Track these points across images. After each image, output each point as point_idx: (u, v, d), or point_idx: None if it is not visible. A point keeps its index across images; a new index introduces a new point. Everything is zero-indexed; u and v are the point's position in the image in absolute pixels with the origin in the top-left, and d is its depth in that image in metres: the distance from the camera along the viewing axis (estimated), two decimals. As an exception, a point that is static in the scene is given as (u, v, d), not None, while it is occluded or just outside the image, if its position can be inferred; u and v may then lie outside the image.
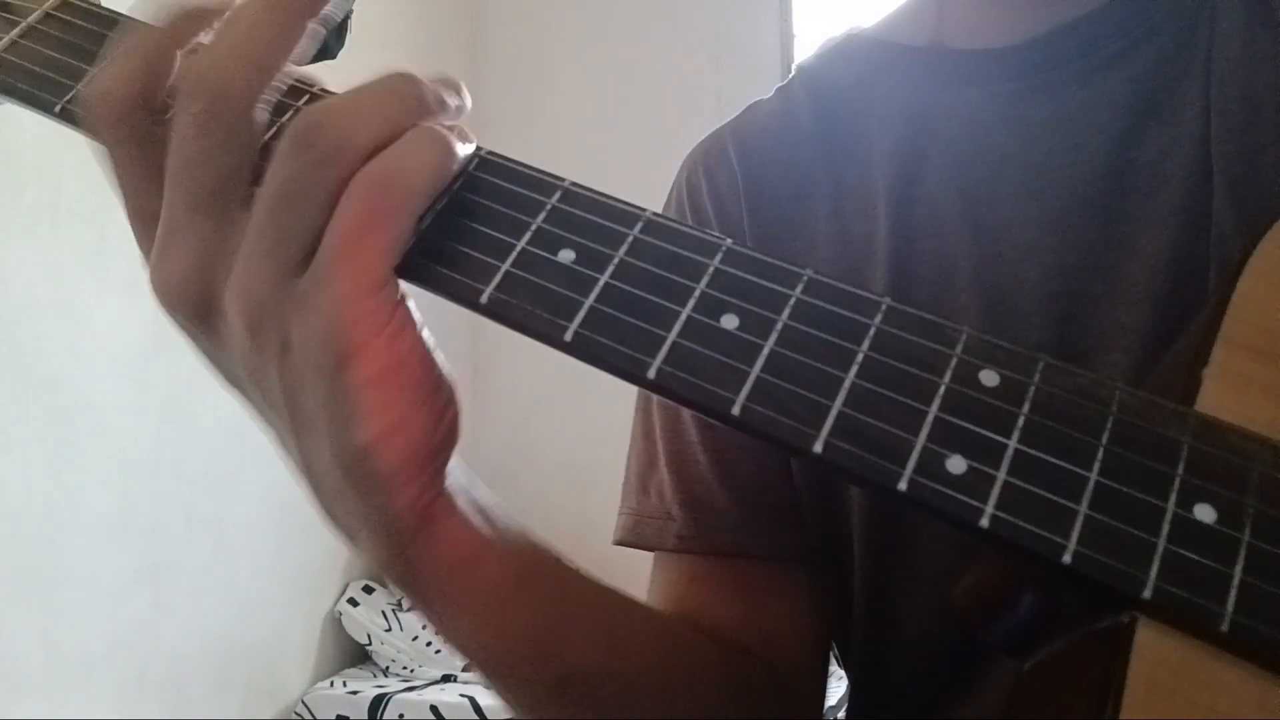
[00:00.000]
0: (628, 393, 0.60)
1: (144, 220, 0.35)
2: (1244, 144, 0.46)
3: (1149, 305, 0.46)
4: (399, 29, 2.78)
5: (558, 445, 2.98)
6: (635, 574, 0.59)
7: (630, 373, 0.30)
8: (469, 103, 0.35)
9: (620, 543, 0.60)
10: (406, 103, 0.33)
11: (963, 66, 0.53)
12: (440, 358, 0.34)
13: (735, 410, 0.29)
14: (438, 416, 0.33)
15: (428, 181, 0.32)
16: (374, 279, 0.31)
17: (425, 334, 0.33)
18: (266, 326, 0.32)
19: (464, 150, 0.33)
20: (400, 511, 0.33)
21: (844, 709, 0.60)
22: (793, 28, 2.91)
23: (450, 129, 0.33)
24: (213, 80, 0.32)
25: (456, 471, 0.36)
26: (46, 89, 0.38)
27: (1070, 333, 0.47)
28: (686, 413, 0.57)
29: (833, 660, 0.61)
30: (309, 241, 0.31)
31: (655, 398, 0.59)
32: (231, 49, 0.33)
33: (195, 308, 0.34)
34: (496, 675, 0.41)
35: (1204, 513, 0.27)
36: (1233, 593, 0.26)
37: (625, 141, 2.78)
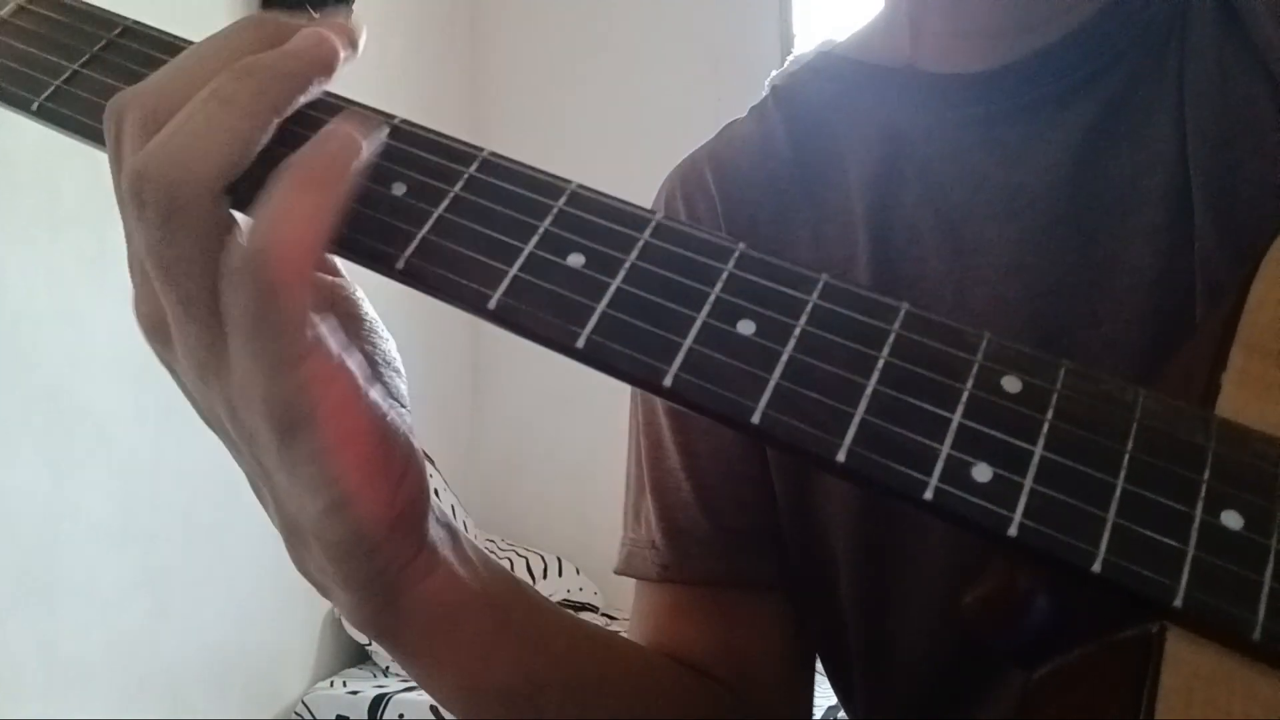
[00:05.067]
0: (628, 396, 0.60)
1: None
2: (1221, 160, 0.46)
3: (1135, 322, 0.46)
4: (399, 31, 2.77)
5: (558, 447, 2.97)
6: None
7: (645, 380, 0.29)
8: (338, 54, 0.31)
9: (617, 573, 0.60)
10: (245, 111, 0.29)
11: (938, 90, 0.53)
12: (396, 409, 0.32)
13: (755, 418, 0.28)
14: (395, 483, 0.32)
15: (310, 237, 0.29)
16: (290, 354, 0.29)
17: (375, 397, 0.31)
18: (213, 387, 0.31)
19: (340, 171, 0.30)
20: (369, 580, 0.33)
21: (843, 710, 0.60)
22: (792, 32, 2.91)
23: (323, 140, 0.30)
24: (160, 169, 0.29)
25: (435, 520, 0.35)
26: (24, 86, 0.37)
27: (1054, 352, 0.47)
28: (668, 438, 0.57)
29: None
30: (210, 298, 0.29)
31: (641, 421, 0.59)
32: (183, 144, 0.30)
33: (163, 336, 0.32)
34: None
35: (1231, 519, 0.26)
36: (1263, 600, 0.25)
37: (625, 146, 2.76)
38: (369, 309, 0.33)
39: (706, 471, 0.56)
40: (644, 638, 0.57)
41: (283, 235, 0.28)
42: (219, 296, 0.29)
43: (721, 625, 0.55)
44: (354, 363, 0.31)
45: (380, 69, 2.65)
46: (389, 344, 0.34)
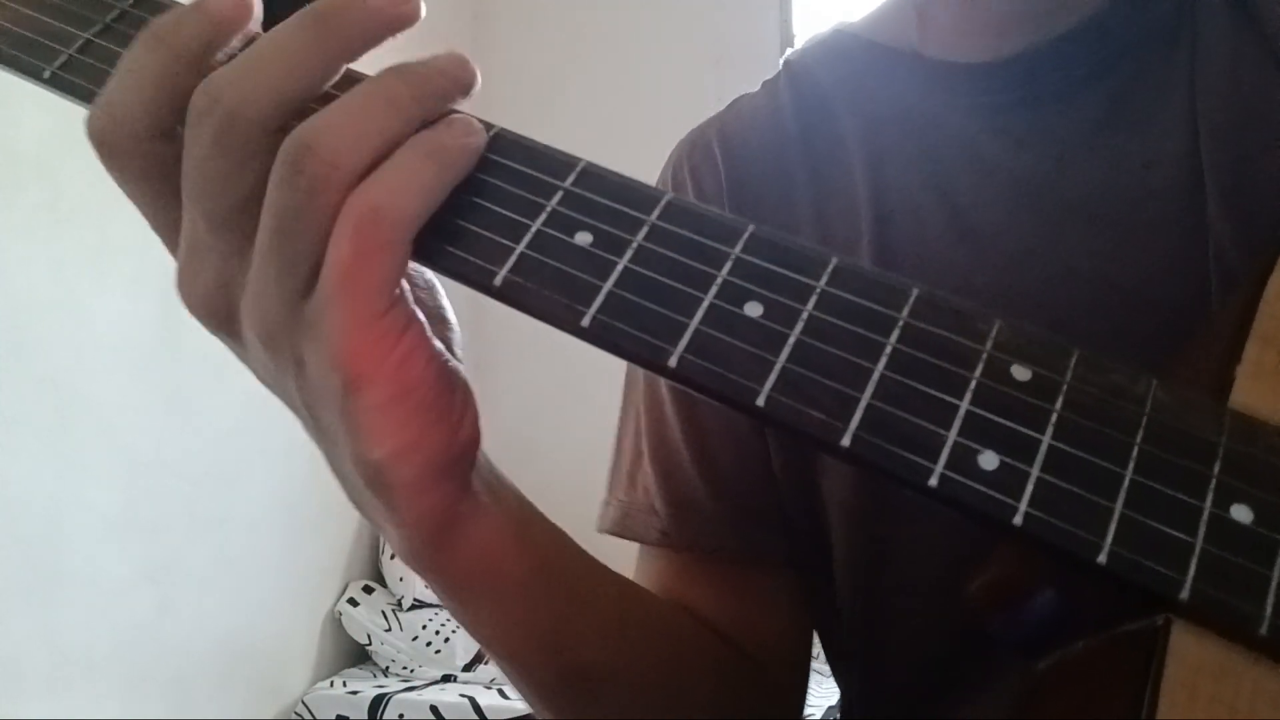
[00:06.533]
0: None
1: (167, 229, 0.35)
2: (1234, 153, 0.46)
3: (1142, 314, 0.46)
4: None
5: (559, 444, 2.97)
6: (632, 568, 0.59)
7: (650, 361, 0.29)
8: (477, 78, 0.34)
9: (605, 531, 0.60)
10: (403, 111, 0.31)
11: (944, 78, 0.53)
12: (454, 360, 0.33)
13: (760, 401, 0.28)
14: (453, 428, 0.33)
15: (422, 205, 0.31)
16: (372, 310, 0.30)
17: (438, 345, 0.32)
18: (280, 346, 0.32)
19: (465, 154, 0.32)
20: (420, 518, 0.34)
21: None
22: (793, 28, 2.91)
23: (452, 125, 0.32)
24: (229, 100, 0.31)
25: (482, 466, 0.36)
26: (36, 54, 0.36)
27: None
28: (669, 406, 0.57)
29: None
30: (312, 266, 0.31)
31: (641, 388, 0.59)
32: (250, 68, 0.31)
33: (220, 319, 0.33)
34: (511, 666, 0.43)
35: (1241, 513, 0.26)
36: (1271, 595, 0.25)
37: (625, 142, 2.74)
38: (427, 270, 0.35)
39: (711, 446, 0.56)
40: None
41: (404, 199, 0.30)
42: (323, 252, 0.30)
43: (731, 596, 0.56)
44: (421, 314, 0.32)
45: (380, 60, 2.65)
46: (443, 298, 0.36)
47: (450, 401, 0.33)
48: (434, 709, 2.29)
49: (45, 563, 1.80)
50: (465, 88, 0.33)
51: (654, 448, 0.58)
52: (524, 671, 0.43)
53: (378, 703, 2.30)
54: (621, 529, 0.59)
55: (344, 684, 2.43)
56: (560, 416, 2.95)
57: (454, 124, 0.32)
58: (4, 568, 1.72)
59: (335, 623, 2.58)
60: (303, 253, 0.31)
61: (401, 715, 2.29)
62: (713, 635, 0.54)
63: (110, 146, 0.33)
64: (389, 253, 0.30)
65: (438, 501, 0.34)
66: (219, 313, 0.33)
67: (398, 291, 0.31)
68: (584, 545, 0.59)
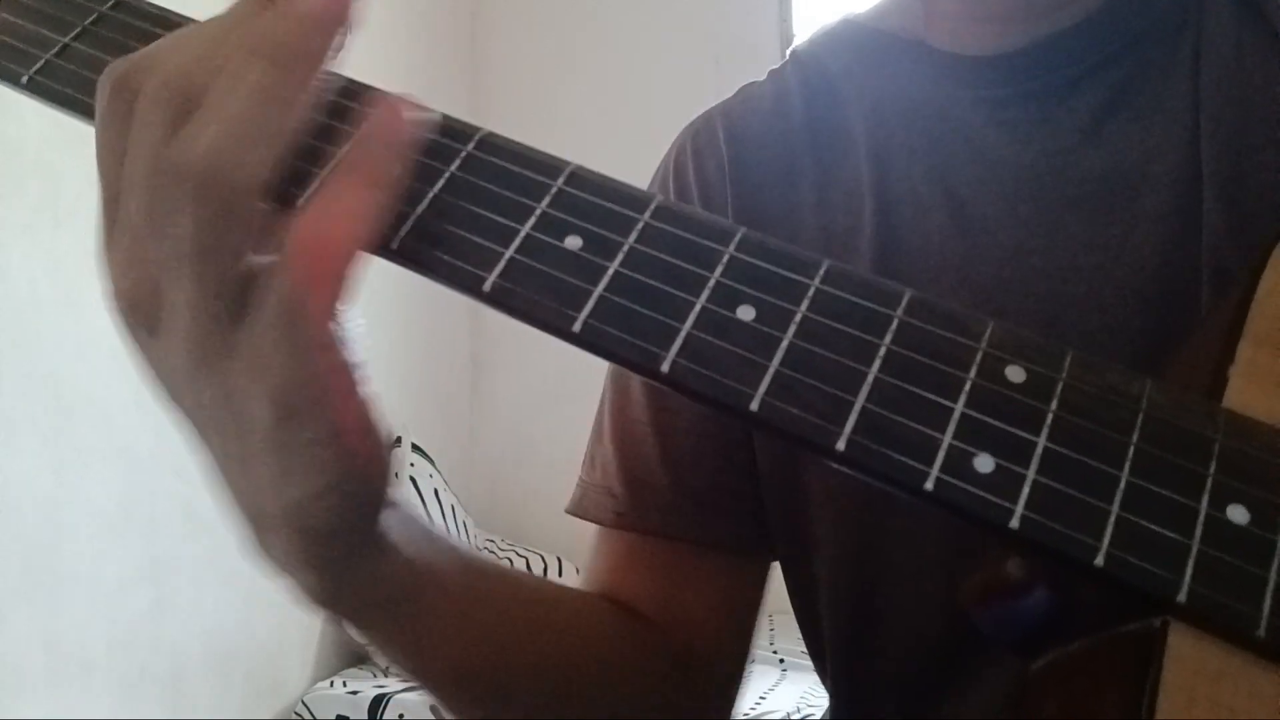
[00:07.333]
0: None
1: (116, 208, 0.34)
2: (1235, 146, 0.46)
3: (1138, 308, 0.46)
4: (399, 29, 2.77)
5: (559, 446, 2.96)
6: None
7: (642, 365, 0.29)
8: (345, 12, 0.32)
9: (570, 513, 0.60)
10: (290, 103, 0.30)
11: (950, 69, 0.53)
12: (377, 412, 0.33)
13: (754, 406, 0.28)
14: (370, 475, 0.33)
15: (365, 229, 0.30)
16: (319, 341, 0.30)
17: (369, 394, 0.32)
18: (206, 373, 0.31)
19: (398, 163, 0.31)
20: (335, 558, 0.34)
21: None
22: (792, 28, 2.91)
23: (379, 137, 0.31)
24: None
25: (390, 505, 0.36)
26: (14, 59, 0.36)
27: (1055, 334, 0.47)
28: (636, 389, 0.57)
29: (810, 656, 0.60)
30: (236, 288, 0.30)
31: (612, 370, 0.59)
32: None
33: (141, 313, 0.32)
34: (436, 696, 0.47)
35: (1237, 513, 0.26)
36: (1268, 596, 0.25)
37: (624, 142, 2.74)
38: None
39: (677, 430, 0.56)
40: (595, 579, 0.59)
41: (336, 230, 0.29)
42: (251, 283, 0.30)
43: (665, 578, 0.56)
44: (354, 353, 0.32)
45: (380, 58, 2.65)
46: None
47: (373, 450, 0.32)
48: (434, 709, 2.29)
49: (43, 561, 1.80)
50: (336, 21, 0.31)
51: (615, 426, 0.58)
52: (447, 703, 0.47)
53: (378, 703, 2.30)
54: (579, 509, 0.59)
55: (344, 684, 2.42)
56: (560, 421, 2.94)
57: (371, 138, 0.31)
58: (1, 566, 1.72)
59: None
60: (228, 277, 0.30)
61: (401, 715, 2.28)
62: (636, 623, 0.55)
63: (125, 80, 0.32)
64: (328, 285, 0.29)
65: (353, 541, 0.34)
66: (142, 306, 0.32)
67: (336, 326, 0.30)
68: (586, 552, 0.60)
